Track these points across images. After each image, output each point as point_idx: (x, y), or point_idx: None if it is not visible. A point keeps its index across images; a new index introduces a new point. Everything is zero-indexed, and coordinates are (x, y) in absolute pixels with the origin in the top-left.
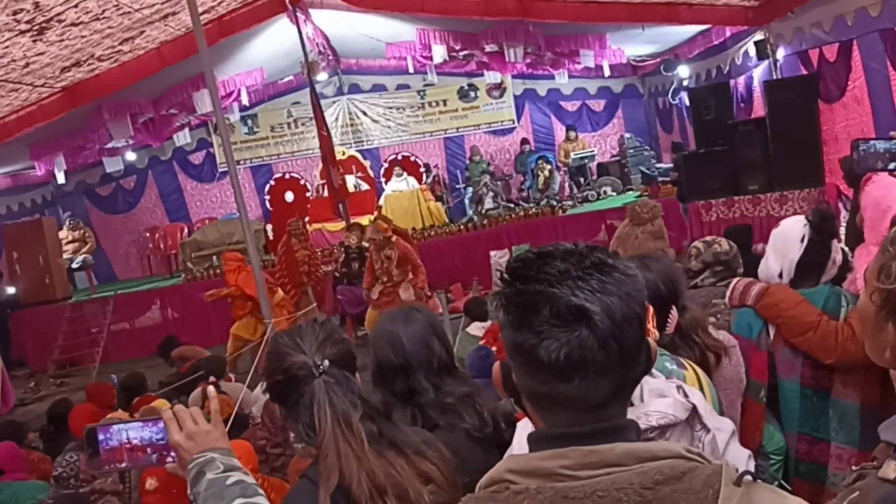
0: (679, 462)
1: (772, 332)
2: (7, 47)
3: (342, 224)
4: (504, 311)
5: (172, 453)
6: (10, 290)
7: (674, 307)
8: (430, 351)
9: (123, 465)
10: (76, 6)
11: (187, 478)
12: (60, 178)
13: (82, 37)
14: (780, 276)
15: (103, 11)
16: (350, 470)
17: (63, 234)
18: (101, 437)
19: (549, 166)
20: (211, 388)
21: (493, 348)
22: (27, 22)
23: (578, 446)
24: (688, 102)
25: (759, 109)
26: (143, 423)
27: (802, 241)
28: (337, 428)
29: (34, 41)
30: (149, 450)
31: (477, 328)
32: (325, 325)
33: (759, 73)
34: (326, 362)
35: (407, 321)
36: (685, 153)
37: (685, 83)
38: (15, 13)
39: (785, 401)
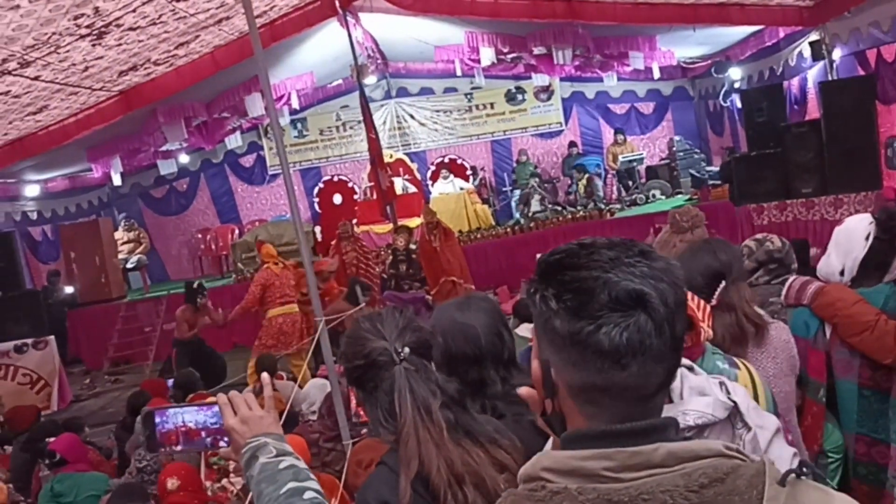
0: (721, 461)
1: (828, 332)
2: (68, 51)
3: (389, 226)
4: (556, 300)
5: (225, 438)
6: (68, 289)
7: (723, 282)
8: (501, 342)
9: (179, 447)
10: (134, 11)
11: (241, 461)
12: (116, 180)
13: (139, 41)
14: (842, 273)
15: (160, 16)
16: (430, 458)
17: (118, 234)
18: (157, 419)
19: (585, 175)
20: (266, 375)
21: None
22: (87, 27)
23: (621, 447)
24: (739, 105)
25: (813, 111)
26: (198, 408)
27: (867, 239)
28: (417, 416)
29: (93, 45)
30: (203, 433)
31: (526, 329)
32: (405, 312)
33: (813, 74)
34: (407, 349)
35: (478, 310)
36: (736, 155)
37: (737, 85)
38: (76, 18)
39: (842, 401)
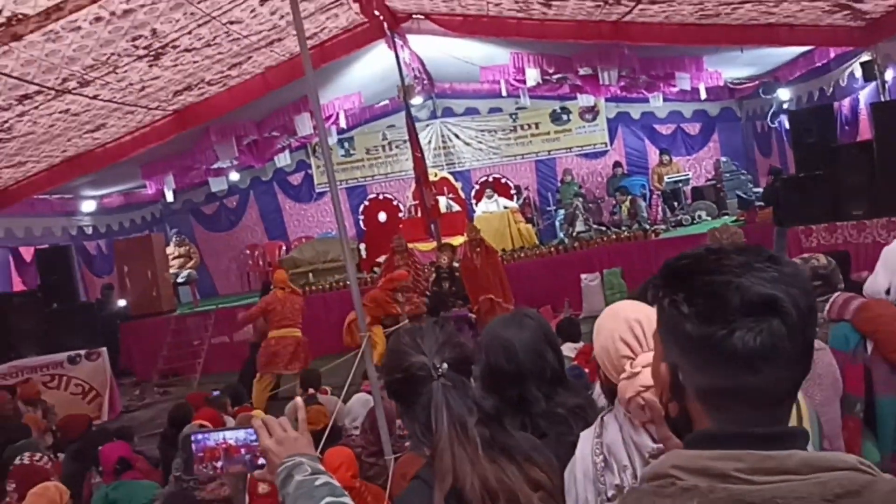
0: (855, 475)
1: (869, 348)
2: (126, 72)
3: (433, 244)
4: (687, 304)
5: (262, 459)
6: (121, 302)
7: None
8: (542, 360)
9: (219, 463)
10: (190, 33)
11: (276, 481)
12: (169, 197)
13: (194, 62)
14: (888, 292)
15: (215, 38)
16: (463, 473)
17: (170, 249)
18: (195, 439)
19: (628, 197)
20: (298, 399)
21: (586, 369)
22: (145, 48)
23: (754, 450)
24: (788, 126)
25: (864, 132)
26: (235, 430)
27: None
28: (453, 431)
29: (150, 66)
30: (243, 450)
31: (569, 349)
32: (445, 327)
33: (865, 95)
34: (445, 365)
35: (521, 327)
36: (784, 177)
37: (785, 106)
38: (134, 39)
39: (882, 418)
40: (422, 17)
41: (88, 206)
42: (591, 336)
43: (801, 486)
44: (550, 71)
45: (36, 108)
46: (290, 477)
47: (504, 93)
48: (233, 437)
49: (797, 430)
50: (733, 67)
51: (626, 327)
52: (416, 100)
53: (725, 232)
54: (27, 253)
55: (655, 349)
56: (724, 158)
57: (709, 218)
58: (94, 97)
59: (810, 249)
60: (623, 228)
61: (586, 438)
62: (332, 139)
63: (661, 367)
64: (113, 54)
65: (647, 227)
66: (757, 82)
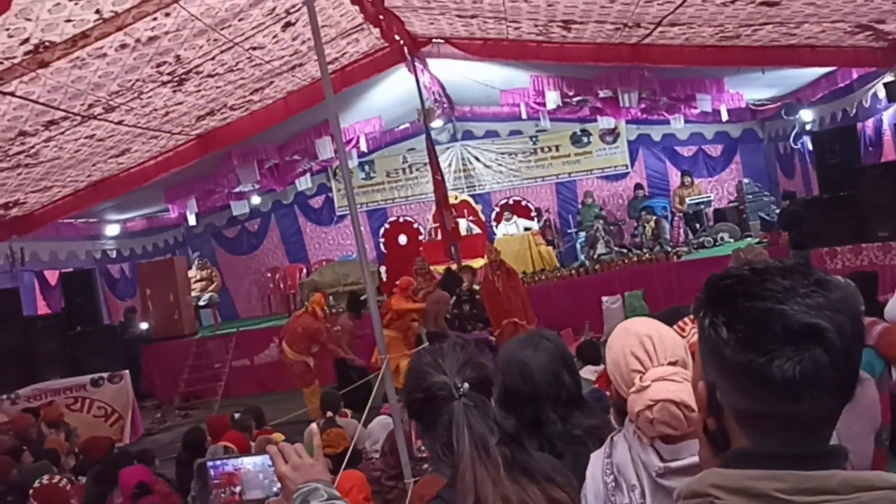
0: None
1: (894, 374)
2: (150, 97)
3: (454, 266)
4: (727, 329)
5: (278, 485)
6: (143, 325)
7: None
8: (559, 382)
9: (236, 489)
10: (213, 59)
11: None
12: (192, 220)
13: (217, 87)
14: None
15: (237, 63)
16: (485, 494)
17: (192, 273)
18: (212, 465)
19: (653, 217)
20: (313, 426)
21: (607, 392)
22: (169, 74)
23: (794, 470)
24: (811, 147)
25: (889, 153)
26: (251, 456)
27: None
28: (474, 451)
29: (174, 91)
30: (261, 475)
31: (590, 371)
32: (466, 348)
33: (889, 115)
34: (466, 385)
35: (537, 349)
36: (807, 198)
37: (808, 127)
38: (158, 66)
39: None
40: (442, 41)
41: (112, 229)
42: None
43: None
44: (570, 93)
45: (62, 133)
46: (307, 502)
47: (524, 115)
48: (249, 463)
49: (837, 450)
50: (755, 89)
51: (636, 342)
52: (437, 123)
53: (750, 253)
54: (52, 276)
55: (695, 365)
56: (746, 180)
57: (731, 240)
58: (119, 122)
59: (835, 271)
60: (644, 250)
61: (596, 459)
62: (353, 162)
63: (700, 384)
64: (138, 80)
65: (669, 248)
66: (779, 103)
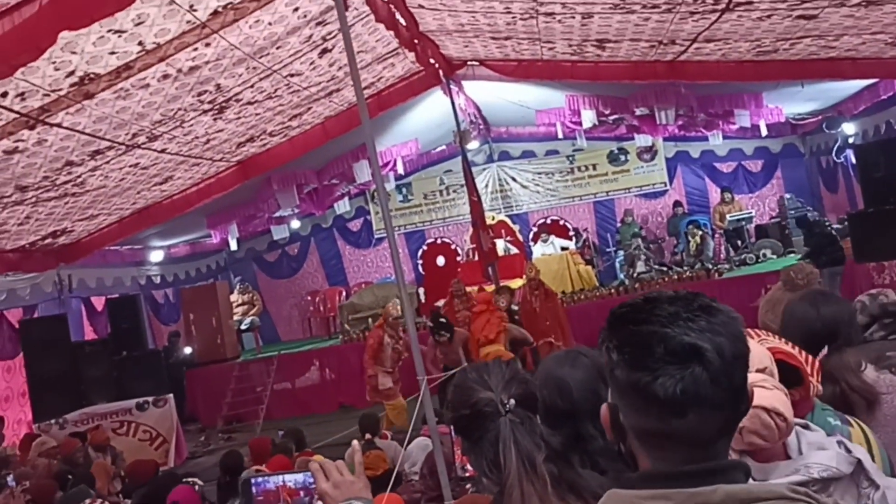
0: (784, 503)
1: None
2: (192, 126)
3: (492, 287)
4: (617, 352)
5: (319, 502)
6: (187, 349)
7: (826, 347)
8: (598, 398)
9: None
10: (252, 86)
11: None
12: (233, 245)
13: (256, 114)
14: None
15: (276, 90)
16: None
17: (234, 297)
18: (255, 482)
19: (700, 231)
20: (355, 443)
21: None
22: (209, 102)
23: (683, 488)
24: (854, 160)
25: None
26: (293, 473)
27: None
28: (522, 468)
29: (215, 119)
30: (302, 493)
31: None
32: (511, 364)
33: None
34: (512, 401)
35: (574, 365)
36: (851, 213)
37: (851, 140)
38: (199, 94)
39: None
40: (476, 63)
41: (156, 255)
42: None
43: None
44: (606, 112)
45: (107, 162)
46: None
47: (560, 135)
48: (291, 480)
49: (729, 464)
50: (794, 103)
51: None
52: (473, 144)
53: (801, 272)
54: (98, 302)
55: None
56: (788, 195)
57: (774, 256)
58: (162, 151)
59: (883, 286)
60: (685, 268)
61: None
62: (390, 185)
63: (603, 407)
64: (179, 109)
65: (711, 266)
66: (820, 117)
